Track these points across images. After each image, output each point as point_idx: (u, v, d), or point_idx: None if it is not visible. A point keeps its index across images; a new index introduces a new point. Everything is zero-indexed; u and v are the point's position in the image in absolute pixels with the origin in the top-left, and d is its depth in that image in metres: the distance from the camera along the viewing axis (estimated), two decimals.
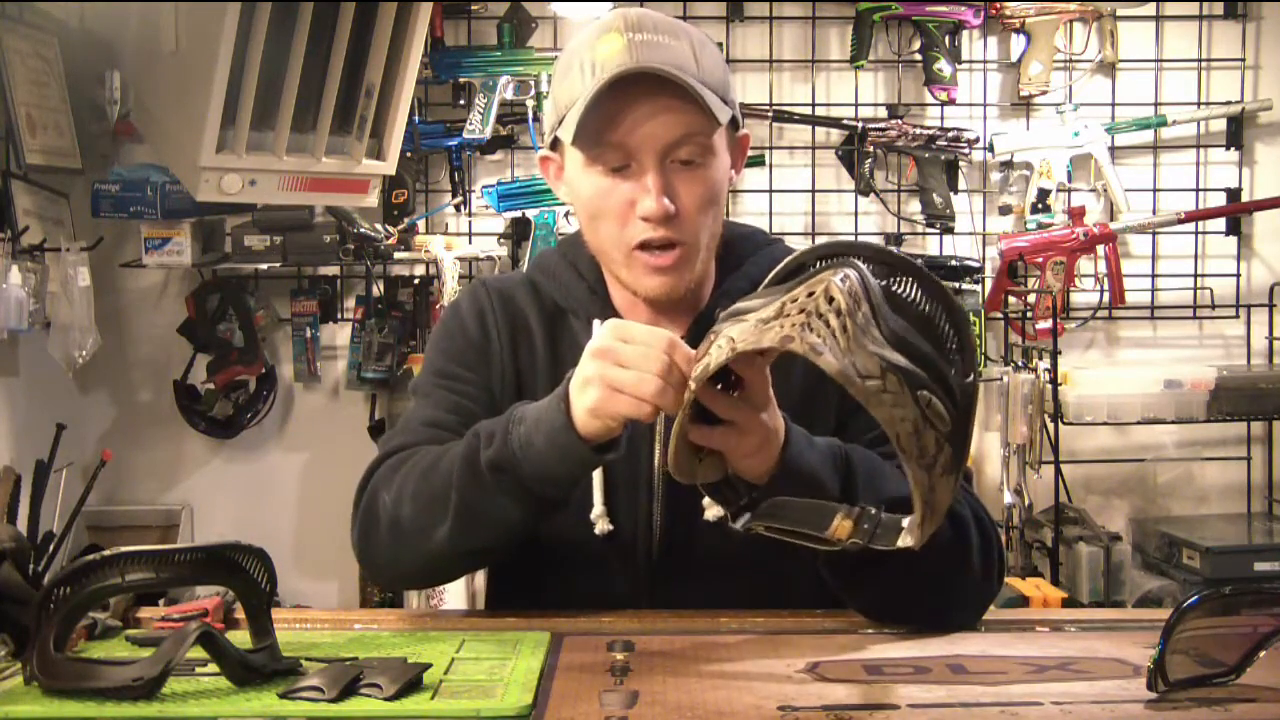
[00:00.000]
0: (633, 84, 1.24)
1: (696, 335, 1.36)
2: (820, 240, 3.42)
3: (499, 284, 1.46)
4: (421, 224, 3.04)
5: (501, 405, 1.35)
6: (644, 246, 1.29)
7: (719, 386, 1.12)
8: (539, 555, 1.37)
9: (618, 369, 1.11)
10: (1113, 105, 3.12)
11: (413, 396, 1.44)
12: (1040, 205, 3.05)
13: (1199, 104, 3.12)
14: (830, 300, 0.97)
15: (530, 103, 2.96)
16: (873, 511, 1.08)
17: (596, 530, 1.33)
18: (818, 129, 3.10)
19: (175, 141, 2.57)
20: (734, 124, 1.35)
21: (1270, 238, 3.17)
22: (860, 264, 1.00)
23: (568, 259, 1.42)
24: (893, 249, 1.05)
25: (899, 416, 0.95)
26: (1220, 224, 3.15)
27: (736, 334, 1.03)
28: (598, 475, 1.33)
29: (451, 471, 1.22)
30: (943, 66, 3.01)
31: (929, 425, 0.96)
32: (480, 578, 1.65)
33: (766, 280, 1.09)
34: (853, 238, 3.11)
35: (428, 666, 1.08)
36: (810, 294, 0.99)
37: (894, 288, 1.00)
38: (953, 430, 0.98)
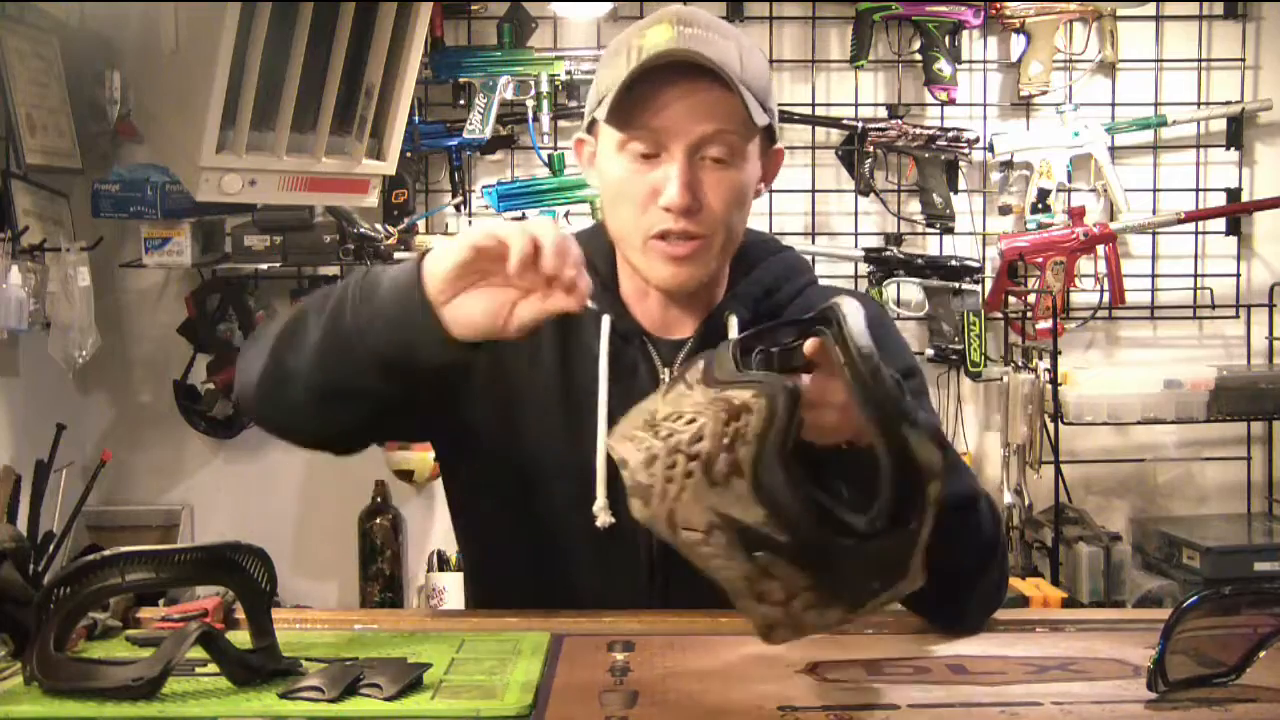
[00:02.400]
0: (674, 73, 1.25)
1: (704, 339, 1.37)
2: (820, 241, 3.36)
3: None
4: (421, 224, 3.04)
5: (490, 394, 1.36)
6: (662, 236, 1.30)
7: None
8: (539, 548, 1.38)
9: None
10: (1113, 105, 3.12)
11: None
12: (1040, 205, 3.05)
13: (1199, 104, 3.12)
14: (697, 441, 0.93)
15: (530, 103, 2.96)
16: None
17: (599, 523, 1.33)
18: (818, 129, 3.10)
19: (175, 141, 2.57)
20: (771, 137, 1.36)
21: (1270, 238, 3.17)
22: (786, 390, 0.93)
23: (583, 250, 1.43)
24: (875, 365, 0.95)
25: (719, 567, 0.93)
26: (1220, 224, 3.15)
27: (622, 426, 1.01)
28: (600, 468, 1.33)
29: (296, 314, 1.22)
30: (943, 66, 3.01)
31: (770, 578, 0.93)
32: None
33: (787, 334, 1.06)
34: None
35: (428, 666, 1.08)
36: (691, 420, 0.94)
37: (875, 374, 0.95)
38: (823, 581, 0.93)
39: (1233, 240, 3.15)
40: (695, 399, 0.97)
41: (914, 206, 3.11)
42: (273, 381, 1.23)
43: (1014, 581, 2.72)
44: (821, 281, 1.50)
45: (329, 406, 1.22)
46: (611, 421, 1.33)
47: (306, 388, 1.21)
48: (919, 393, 1.40)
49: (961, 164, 3.10)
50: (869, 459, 0.98)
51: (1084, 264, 3.05)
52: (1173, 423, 3.02)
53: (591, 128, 1.36)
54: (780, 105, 3.22)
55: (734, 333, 1.36)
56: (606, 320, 1.37)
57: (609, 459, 1.32)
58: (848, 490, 1.05)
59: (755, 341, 1.05)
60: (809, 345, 1.02)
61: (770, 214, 3.06)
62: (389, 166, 2.73)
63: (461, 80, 2.99)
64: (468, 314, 1.12)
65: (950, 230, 3.08)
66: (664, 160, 1.28)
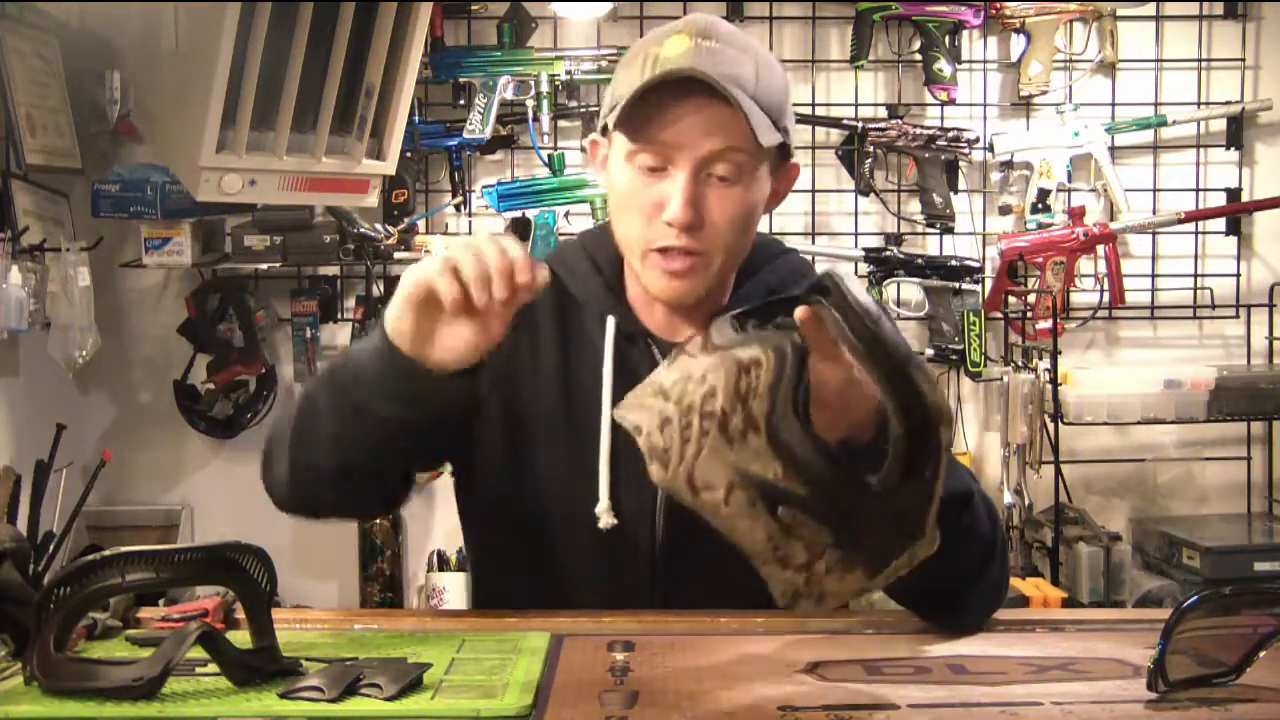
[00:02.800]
0: (687, 88, 1.24)
1: None
2: (820, 241, 3.36)
3: None
4: (421, 224, 3.04)
5: (493, 395, 1.37)
6: (663, 250, 1.30)
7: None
8: (543, 549, 1.38)
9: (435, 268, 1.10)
10: (1113, 105, 3.12)
11: None
12: (1040, 205, 3.05)
13: (1199, 104, 3.12)
14: (710, 397, 0.93)
15: (530, 103, 2.96)
16: None
17: (601, 524, 1.33)
18: (818, 129, 3.10)
19: (175, 141, 2.57)
20: (785, 153, 1.35)
21: (1270, 238, 3.17)
22: (793, 343, 0.94)
23: (587, 251, 1.43)
24: (871, 313, 0.95)
25: (743, 529, 0.93)
26: (1220, 224, 3.15)
27: (632, 395, 1.01)
28: (604, 469, 1.33)
29: (304, 397, 1.25)
30: (943, 66, 3.01)
31: (793, 537, 0.93)
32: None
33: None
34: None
35: (428, 666, 1.08)
36: (703, 379, 0.95)
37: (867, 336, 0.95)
38: (845, 538, 0.94)
39: (1233, 240, 3.15)
40: (702, 364, 0.97)
41: (914, 206, 3.11)
42: (307, 484, 1.27)
43: (1014, 581, 2.72)
44: None
45: (362, 483, 1.27)
46: (614, 425, 1.33)
47: (339, 478, 1.24)
48: None
49: (961, 164, 3.10)
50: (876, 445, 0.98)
51: (1084, 264, 3.05)
52: (1173, 423, 3.02)
53: (606, 130, 1.36)
54: None
55: None
56: (611, 322, 1.37)
57: (613, 436, 1.33)
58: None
59: (748, 318, 1.05)
60: (800, 312, 1.01)
61: (770, 214, 3.05)
62: (389, 166, 2.73)
63: (461, 80, 2.99)
64: (449, 350, 1.14)
65: (950, 230, 3.08)
66: (670, 174, 1.28)
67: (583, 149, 2.80)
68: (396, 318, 1.14)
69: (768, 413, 0.92)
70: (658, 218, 1.28)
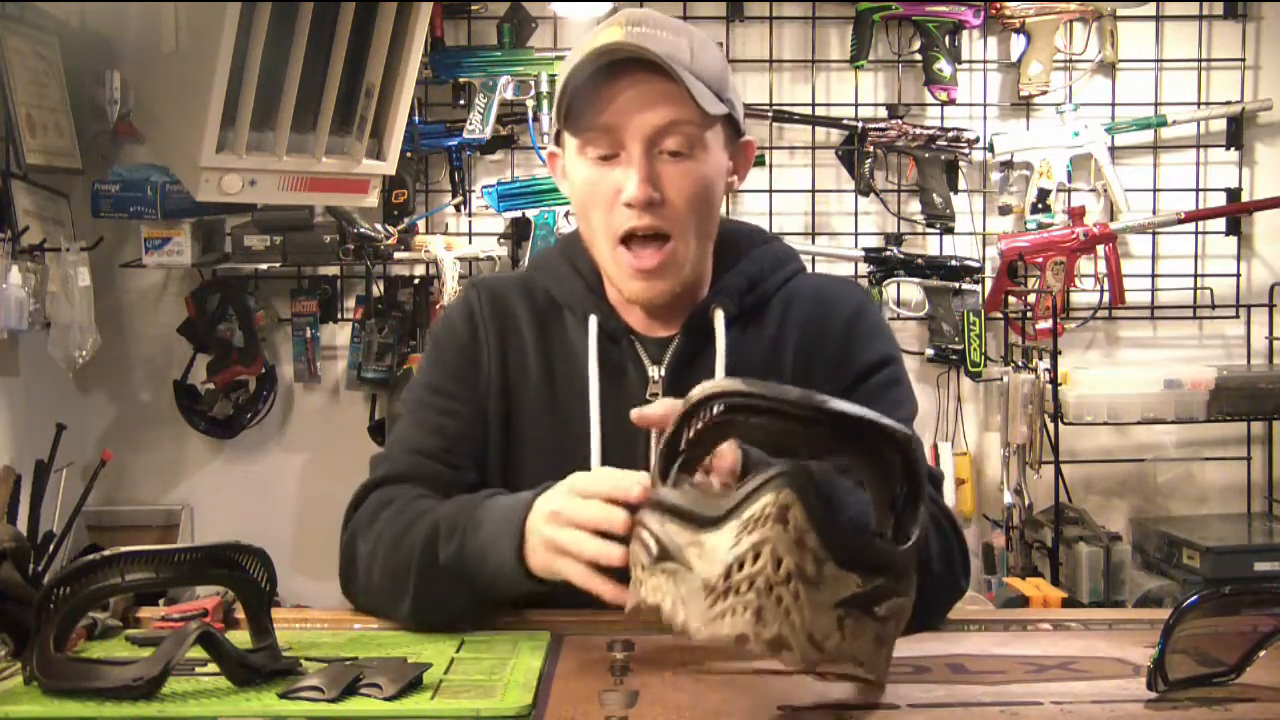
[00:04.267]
0: (624, 71, 1.26)
1: (690, 334, 1.37)
2: (820, 241, 3.33)
3: (491, 284, 1.47)
4: (421, 224, 3.04)
5: (489, 410, 1.38)
6: (630, 238, 1.30)
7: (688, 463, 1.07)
8: None
9: (564, 532, 1.11)
10: (1113, 105, 3.12)
11: (401, 410, 1.46)
12: (1040, 205, 3.05)
13: (1199, 104, 3.12)
14: (779, 564, 0.90)
15: (530, 103, 2.96)
16: None
17: None
18: (818, 129, 3.10)
19: (175, 141, 2.58)
20: (736, 130, 1.36)
21: (1270, 238, 3.17)
22: (797, 466, 0.92)
23: (566, 256, 1.44)
24: (807, 399, 0.95)
25: (860, 648, 0.94)
26: (1220, 224, 3.15)
27: (687, 610, 0.95)
28: (595, 467, 1.33)
29: (414, 552, 1.24)
30: (943, 66, 3.01)
31: (889, 622, 0.95)
32: None
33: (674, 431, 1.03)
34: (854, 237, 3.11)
35: (428, 666, 1.08)
36: (756, 555, 0.91)
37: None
38: (914, 595, 0.98)
39: (1233, 240, 3.15)
40: (729, 538, 0.94)
41: (914, 206, 3.11)
42: (388, 605, 1.28)
43: (1014, 581, 2.72)
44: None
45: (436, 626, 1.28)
46: (604, 421, 1.34)
47: (411, 621, 1.26)
48: (891, 382, 1.39)
49: (961, 164, 3.10)
50: None
51: (1084, 264, 3.05)
52: (1173, 423, 3.03)
53: (560, 139, 1.37)
54: (780, 105, 3.22)
55: (720, 325, 1.36)
56: (593, 321, 1.38)
57: (602, 432, 1.34)
58: None
59: (669, 465, 1.04)
60: (725, 463, 1.07)
61: (770, 214, 3.06)
62: (389, 166, 2.73)
63: (461, 80, 2.99)
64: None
65: (950, 230, 3.08)
66: (623, 159, 1.29)
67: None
68: (544, 568, 1.14)
69: (821, 539, 0.92)
70: (618, 203, 1.29)
